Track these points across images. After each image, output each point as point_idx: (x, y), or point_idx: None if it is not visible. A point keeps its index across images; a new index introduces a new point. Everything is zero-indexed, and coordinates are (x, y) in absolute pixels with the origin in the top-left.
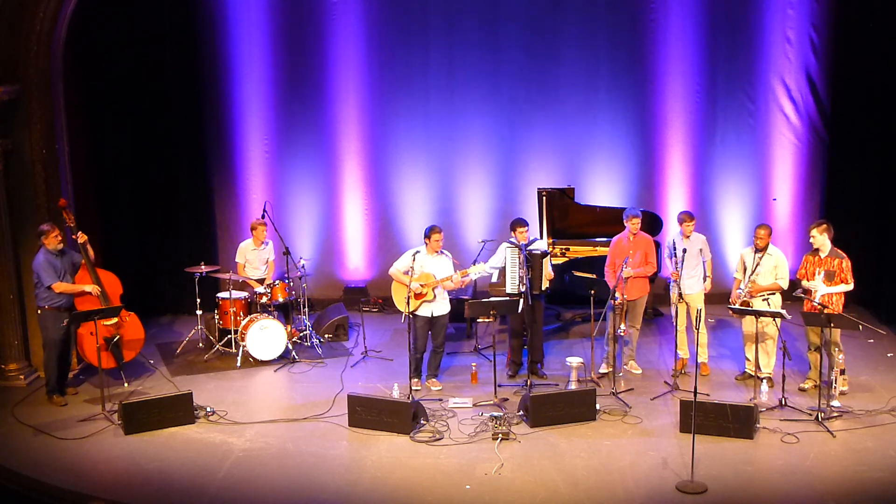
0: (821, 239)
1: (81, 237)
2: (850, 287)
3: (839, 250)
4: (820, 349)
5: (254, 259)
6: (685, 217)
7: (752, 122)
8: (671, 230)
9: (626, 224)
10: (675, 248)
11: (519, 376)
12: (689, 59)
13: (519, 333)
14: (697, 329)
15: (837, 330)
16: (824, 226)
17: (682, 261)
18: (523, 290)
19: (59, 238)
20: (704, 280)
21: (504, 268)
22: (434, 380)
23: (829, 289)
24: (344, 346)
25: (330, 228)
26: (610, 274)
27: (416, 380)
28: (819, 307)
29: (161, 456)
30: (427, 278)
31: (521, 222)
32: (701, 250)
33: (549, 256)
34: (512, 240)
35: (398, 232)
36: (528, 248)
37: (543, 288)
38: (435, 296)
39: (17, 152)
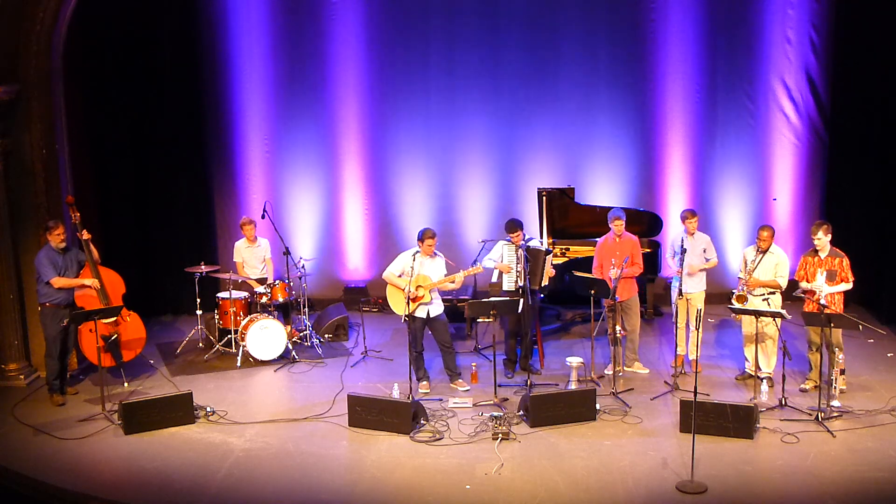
0: (825, 240)
1: (85, 235)
2: (851, 286)
3: (837, 249)
4: (821, 349)
5: (250, 257)
6: (688, 214)
7: (752, 122)
8: (672, 230)
9: (610, 225)
10: (683, 247)
11: (515, 373)
12: (689, 59)
13: (515, 333)
14: (697, 329)
15: (839, 330)
16: (826, 226)
17: (683, 259)
18: (521, 284)
19: (62, 237)
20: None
21: (505, 264)
22: (460, 380)
23: (831, 288)
24: (344, 346)
25: (330, 228)
26: (597, 275)
27: (423, 382)
28: (821, 307)
29: (161, 456)
30: (423, 280)
31: (515, 227)
32: (704, 250)
33: (550, 255)
34: (508, 238)
35: (398, 232)
36: (527, 244)
37: (543, 284)
38: (431, 298)
39: (17, 152)
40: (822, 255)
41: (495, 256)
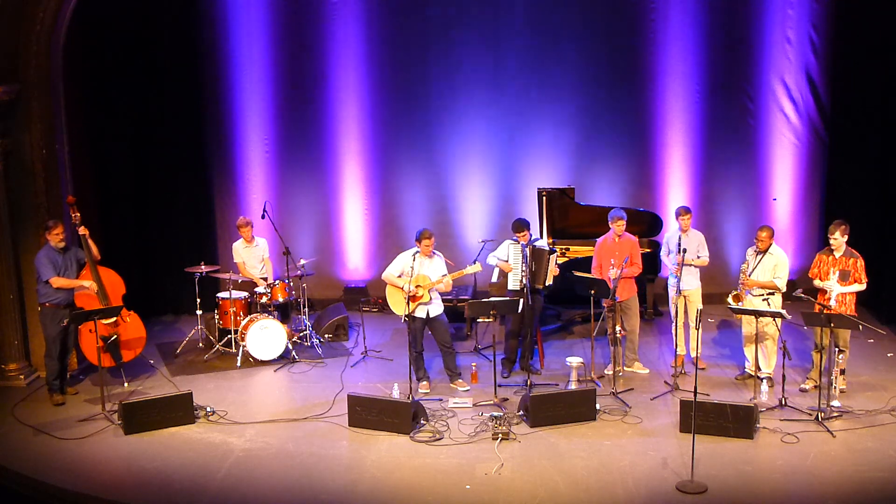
0: (841, 240)
1: (82, 230)
2: (864, 287)
3: (853, 250)
4: (825, 349)
5: (249, 257)
6: (682, 211)
7: (752, 122)
8: (672, 230)
9: (611, 225)
10: (680, 245)
11: (515, 373)
12: (688, 59)
13: (517, 333)
14: (697, 328)
15: (847, 331)
16: (844, 227)
17: (683, 258)
18: (526, 282)
19: (61, 237)
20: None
21: (507, 263)
22: (460, 380)
23: (843, 288)
24: (344, 346)
25: (330, 228)
26: (597, 275)
27: (423, 382)
28: (821, 307)
29: (161, 456)
30: (422, 280)
31: (522, 227)
32: (698, 246)
33: (555, 254)
34: (515, 238)
35: (398, 232)
36: (534, 244)
37: (547, 283)
38: (431, 298)
39: (17, 152)
40: (837, 254)
41: (501, 255)
